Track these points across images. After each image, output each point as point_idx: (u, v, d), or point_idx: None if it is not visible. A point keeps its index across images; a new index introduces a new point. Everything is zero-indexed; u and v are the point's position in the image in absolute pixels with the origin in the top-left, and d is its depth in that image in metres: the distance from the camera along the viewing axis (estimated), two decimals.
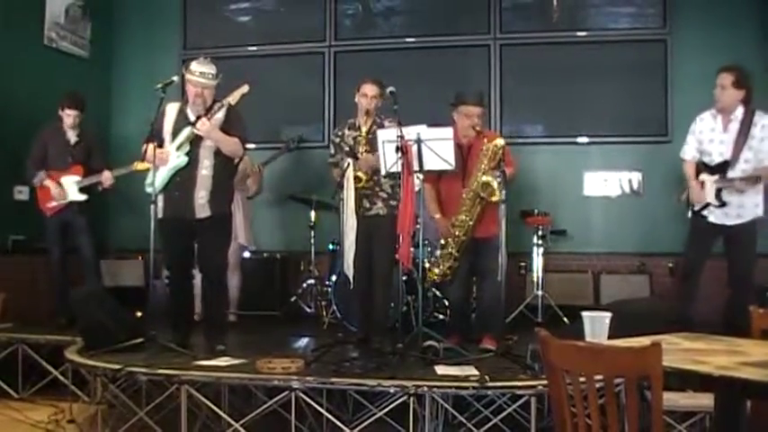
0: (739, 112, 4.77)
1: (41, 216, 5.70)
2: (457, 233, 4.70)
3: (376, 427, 3.74)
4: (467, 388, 3.58)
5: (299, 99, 7.30)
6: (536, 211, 6.29)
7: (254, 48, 7.41)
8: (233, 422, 3.78)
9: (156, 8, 7.65)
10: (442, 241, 4.79)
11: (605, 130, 6.72)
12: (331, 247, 6.26)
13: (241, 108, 4.58)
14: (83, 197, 5.63)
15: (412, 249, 4.56)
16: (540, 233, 6.20)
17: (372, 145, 4.79)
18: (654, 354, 1.95)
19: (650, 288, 6.24)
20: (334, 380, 3.72)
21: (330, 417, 3.73)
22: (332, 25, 7.24)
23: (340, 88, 7.08)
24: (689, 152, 4.98)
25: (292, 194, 6.66)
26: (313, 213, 6.51)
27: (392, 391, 3.63)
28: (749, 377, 2.00)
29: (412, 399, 3.57)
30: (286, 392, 3.71)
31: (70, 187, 5.61)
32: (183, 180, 4.49)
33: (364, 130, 4.94)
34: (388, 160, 4.53)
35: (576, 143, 6.81)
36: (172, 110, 4.63)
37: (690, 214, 4.97)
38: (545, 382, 2.99)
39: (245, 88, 4.48)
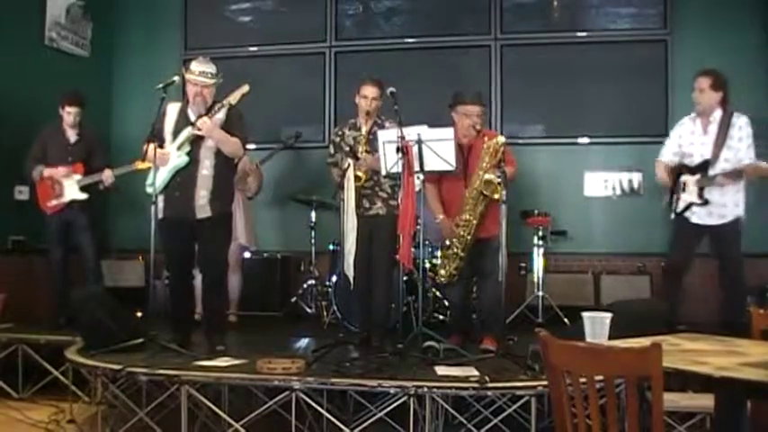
0: (717, 114, 4.92)
1: (41, 216, 5.67)
2: (461, 233, 4.67)
3: (376, 427, 3.75)
4: (467, 388, 3.58)
5: (300, 99, 7.31)
6: (536, 211, 6.28)
7: (255, 48, 7.41)
8: (233, 422, 3.77)
9: (156, 8, 7.65)
10: (447, 242, 4.76)
11: (606, 130, 6.72)
12: (331, 247, 6.26)
13: (241, 108, 4.57)
14: (83, 196, 5.60)
15: (413, 250, 4.56)
16: (540, 234, 6.20)
17: (372, 145, 4.80)
18: (654, 354, 1.95)
19: (651, 289, 6.23)
20: (334, 380, 3.72)
21: (330, 417, 3.73)
22: (332, 25, 7.25)
23: (340, 88, 7.08)
24: (666, 154, 5.15)
25: (293, 196, 6.66)
26: (313, 213, 6.52)
27: (392, 391, 3.63)
28: (749, 378, 2.00)
29: (412, 399, 3.57)
30: (286, 393, 3.70)
31: (71, 186, 5.60)
32: (183, 180, 4.49)
33: (365, 130, 4.94)
34: (389, 161, 4.53)
35: (576, 143, 6.81)
36: (173, 110, 4.63)
37: (672, 216, 5.05)
38: (545, 382, 3.00)
39: (245, 88, 4.47)
